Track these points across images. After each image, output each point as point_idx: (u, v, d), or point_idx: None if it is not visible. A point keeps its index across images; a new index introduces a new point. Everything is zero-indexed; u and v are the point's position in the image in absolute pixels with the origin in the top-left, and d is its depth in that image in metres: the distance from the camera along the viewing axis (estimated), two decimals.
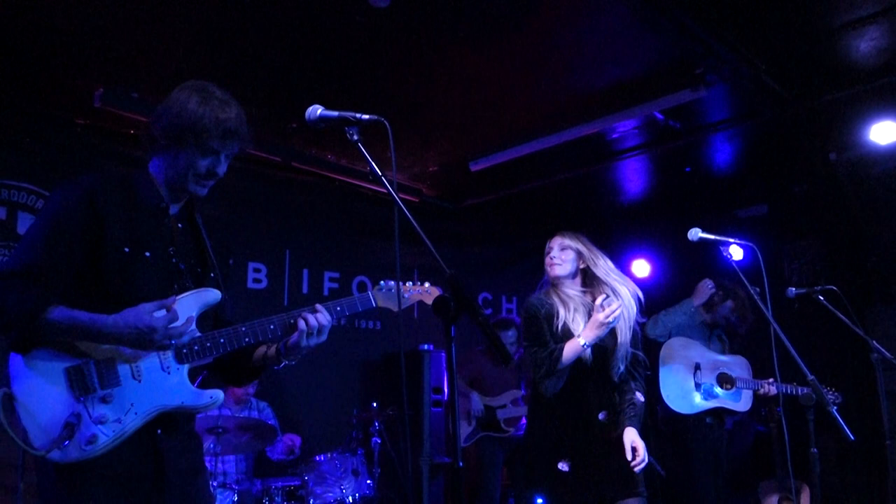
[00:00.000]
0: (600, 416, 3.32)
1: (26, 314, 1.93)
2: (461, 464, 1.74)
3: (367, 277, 6.80)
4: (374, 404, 5.37)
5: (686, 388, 4.74)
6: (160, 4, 3.90)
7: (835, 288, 4.01)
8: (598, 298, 3.35)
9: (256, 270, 6.09)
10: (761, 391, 4.67)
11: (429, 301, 2.55)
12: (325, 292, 6.51)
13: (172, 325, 2.03)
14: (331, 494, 4.84)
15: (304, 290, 6.37)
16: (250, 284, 6.02)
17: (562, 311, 3.38)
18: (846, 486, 6.15)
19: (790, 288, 4.15)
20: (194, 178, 2.18)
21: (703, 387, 4.75)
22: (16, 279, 1.97)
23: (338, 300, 2.38)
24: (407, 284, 2.59)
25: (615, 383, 3.38)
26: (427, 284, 2.62)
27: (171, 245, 2.21)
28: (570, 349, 3.26)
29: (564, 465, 3.24)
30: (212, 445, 4.42)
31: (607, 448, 3.26)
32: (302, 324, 2.22)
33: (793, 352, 3.21)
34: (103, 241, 2.06)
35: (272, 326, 2.24)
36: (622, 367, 3.36)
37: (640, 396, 3.41)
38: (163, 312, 2.02)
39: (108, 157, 5.31)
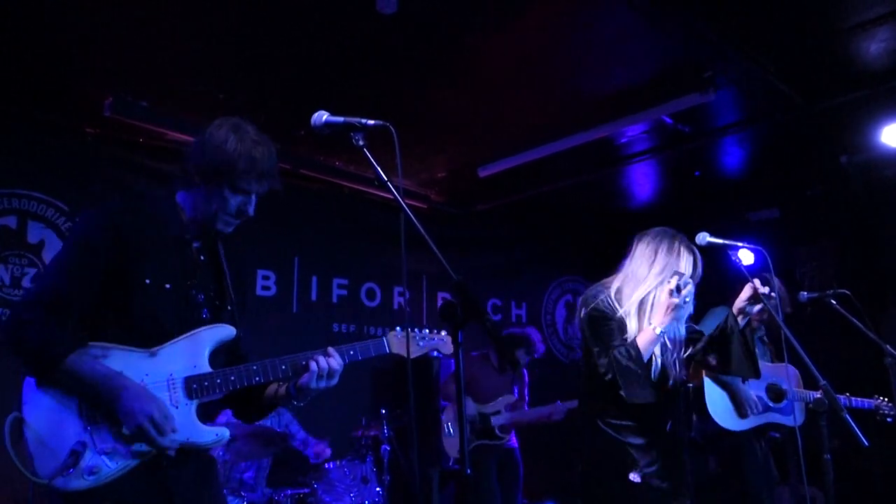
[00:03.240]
0: (668, 426, 3.14)
1: (48, 357, 1.95)
2: (469, 471, 1.74)
3: (376, 284, 6.80)
4: (384, 411, 5.35)
5: (732, 399, 4.33)
6: (169, 14, 3.91)
7: (847, 292, 3.97)
8: (671, 281, 2.90)
9: (265, 278, 6.10)
10: (814, 405, 4.29)
11: (444, 351, 2.51)
12: (334, 299, 6.51)
13: (164, 434, 1.99)
14: (340, 502, 4.82)
15: (313, 297, 6.38)
16: (259, 292, 6.02)
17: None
18: (861, 492, 6.08)
19: (802, 292, 4.10)
20: (225, 218, 2.19)
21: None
22: (39, 309, 1.98)
23: (351, 344, 2.37)
24: (423, 332, 2.56)
25: (677, 387, 3.14)
26: (443, 333, 2.57)
27: (191, 277, 2.21)
28: (644, 340, 2.89)
29: (636, 476, 3.03)
30: (221, 453, 4.43)
31: (675, 459, 3.13)
32: (313, 365, 2.22)
33: (805, 357, 3.18)
34: (126, 272, 2.07)
35: (283, 367, 2.23)
36: (679, 371, 3.11)
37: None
38: (164, 421, 2.00)
39: (118, 166, 5.34)
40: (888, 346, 3.93)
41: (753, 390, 4.34)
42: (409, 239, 1.94)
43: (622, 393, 2.90)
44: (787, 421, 4.41)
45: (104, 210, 2.13)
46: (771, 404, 4.38)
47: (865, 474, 6.10)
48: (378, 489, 5.01)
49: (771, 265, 3.44)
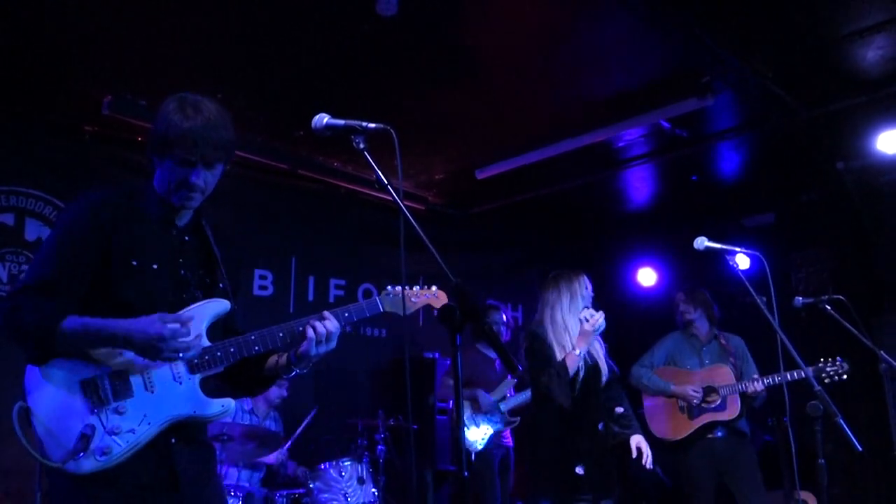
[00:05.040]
0: (599, 426, 3.95)
1: (43, 329, 1.96)
2: (466, 473, 1.74)
3: (373, 285, 6.80)
4: (380, 412, 5.36)
5: (671, 414, 4.85)
6: (169, 13, 3.92)
7: (842, 298, 3.98)
8: (582, 312, 3.93)
9: (262, 278, 6.10)
10: (749, 390, 4.64)
11: (436, 305, 2.55)
12: (331, 300, 6.51)
13: (182, 339, 2.03)
14: (336, 502, 4.83)
15: (310, 297, 6.38)
16: (256, 292, 6.02)
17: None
18: (854, 497, 6.10)
19: (797, 297, 4.11)
20: (179, 192, 2.16)
21: (687, 406, 4.84)
22: (30, 293, 2.01)
23: (345, 306, 2.38)
24: (414, 289, 2.59)
25: (603, 395, 4.07)
26: (434, 288, 2.62)
27: (179, 257, 2.23)
28: (569, 361, 3.83)
29: (580, 469, 3.81)
30: (217, 453, 4.42)
31: (604, 453, 3.93)
32: (310, 331, 2.23)
33: (800, 362, 3.20)
34: (112, 255, 2.09)
35: (281, 334, 2.25)
36: (604, 379, 4.03)
37: (618, 409, 4.17)
38: (176, 325, 2.03)
39: (116, 164, 5.33)
40: (882, 353, 3.95)
41: (693, 393, 4.81)
42: (406, 240, 1.95)
43: (559, 400, 3.79)
44: (722, 416, 4.76)
45: (87, 198, 2.15)
46: (704, 406, 4.77)
47: (858, 479, 6.12)
48: (373, 490, 5.01)
49: (768, 269, 3.46)
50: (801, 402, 3.79)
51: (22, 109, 4.92)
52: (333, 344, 2.28)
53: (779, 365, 3.72)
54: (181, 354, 2.05)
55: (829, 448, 3.61)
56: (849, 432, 3.12)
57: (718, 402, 4.74)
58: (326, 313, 2.29)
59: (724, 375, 4.82)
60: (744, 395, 4.70)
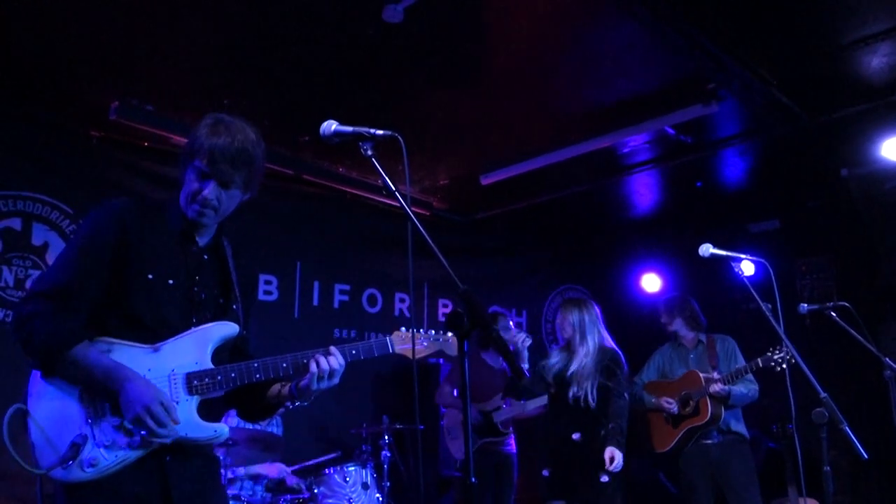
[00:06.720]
0: (574, 436, 4.28)
1: (51, 351, 1.97)
2: (473, 479, 1.74)
3: (378, 290, 6.81)
4: (385, 417, 5.36)
5: (658, 425, 4.97)
6: (176, 19, 3.94)
7: (847, 304, 3.98)
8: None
9: (267, 283, 6.11)
10: (712, 391, 4.67)
11: (449, 352, 2.46)
12: (336, 305, 6.52)
13: (162, 424, 2.00)
14: None
15: (315, 302, 6.38)
16: (261, 297, 6.03)
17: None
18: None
19: (802, 304, 4.11)
20: (189, 202, 2.17)
21: (669, 416, 4.94)
22: (44, 301, 2.01)
23: (354, 344, 2.34)
24: (429, 332, 2.53)
25: (589, 410, 4.33)
26: (450, 335, 2.51)
27: (195, 274, 2.22)
28: None
29: (546, 472, 4.34)
30: (222, 458, 4.43)
31: (583, 462, 4.24)
32: (313, 366, 2.22)
33: (805, 368, 3.20)
34: (130, 266, 2.09)
35: (284, 364, 2.23)
36: (591, 400, 4.33)
37: (574, 435, 4.37)
38: (164, 413, 2.01)
39: (123, 169, 5.35)
40: (888, 359, 3.95)
41: (667, 405, 4.91)
42: (412, 246, 1.96)
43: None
44: (698, 422, 4.81)
45: (111, 206, 2.16)
46: (683, 414, 4.85)
47: (863, 486, 6.10)
48: (378, 495, 5.01)
49: (773, 276, 3.47)
50: (806, 409, 3.80)
51: (29, 114, 4.93)
52: (336, 381, 2.26)
53: (784, 372, 3.71)
54: (154, 433, 2.01)
55: (834, 455, 3.61)
56: (854, 439, 3.11)
57: (693, 407, 4.79)
58: (333, 349, 2.27)
59: (693, 381, 4.86)
60: (713, 398, 4.72)
